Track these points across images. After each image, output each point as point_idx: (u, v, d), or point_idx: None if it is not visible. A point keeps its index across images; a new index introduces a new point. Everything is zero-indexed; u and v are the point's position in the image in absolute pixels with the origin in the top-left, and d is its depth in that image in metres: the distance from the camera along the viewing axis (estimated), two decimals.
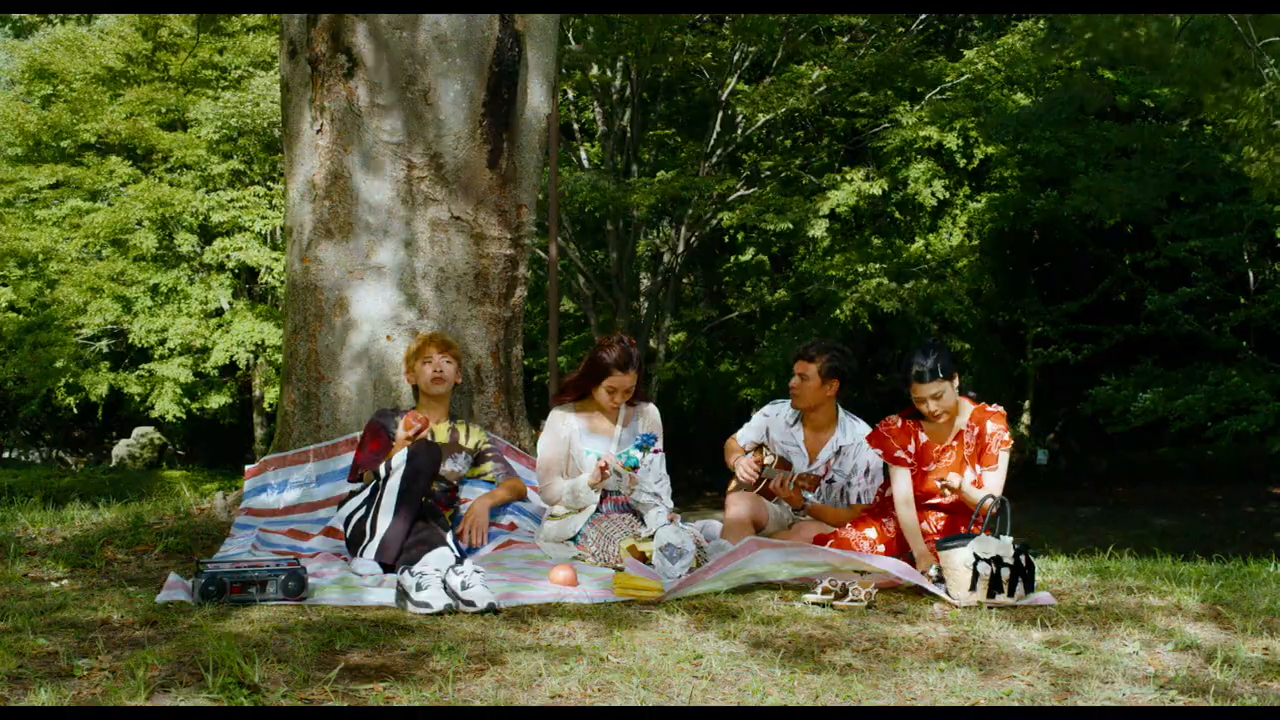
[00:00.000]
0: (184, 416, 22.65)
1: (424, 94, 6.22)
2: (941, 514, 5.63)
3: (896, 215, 22.63)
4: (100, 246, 21.38)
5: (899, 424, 5.63)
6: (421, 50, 6.20)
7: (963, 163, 21.00)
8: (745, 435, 6.37)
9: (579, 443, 5.84)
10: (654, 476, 5.65)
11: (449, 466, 5.80)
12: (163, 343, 21.37)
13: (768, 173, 22.14)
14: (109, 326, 21.72)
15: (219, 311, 22.07)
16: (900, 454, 5.56)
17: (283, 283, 21.78)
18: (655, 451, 5.64)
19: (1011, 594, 4.96)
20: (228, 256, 21.26)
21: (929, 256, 21.18)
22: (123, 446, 26.81)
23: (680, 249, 22.60)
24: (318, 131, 6.25)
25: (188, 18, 19.93)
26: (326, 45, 6.17)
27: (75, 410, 23.89)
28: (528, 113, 6.48)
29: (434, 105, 6.23)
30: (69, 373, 21.62)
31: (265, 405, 23.26)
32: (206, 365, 21.74)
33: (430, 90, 6.22)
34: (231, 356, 21.30)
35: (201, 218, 21.26)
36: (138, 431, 26.82)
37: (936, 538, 5.55)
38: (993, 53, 19.77)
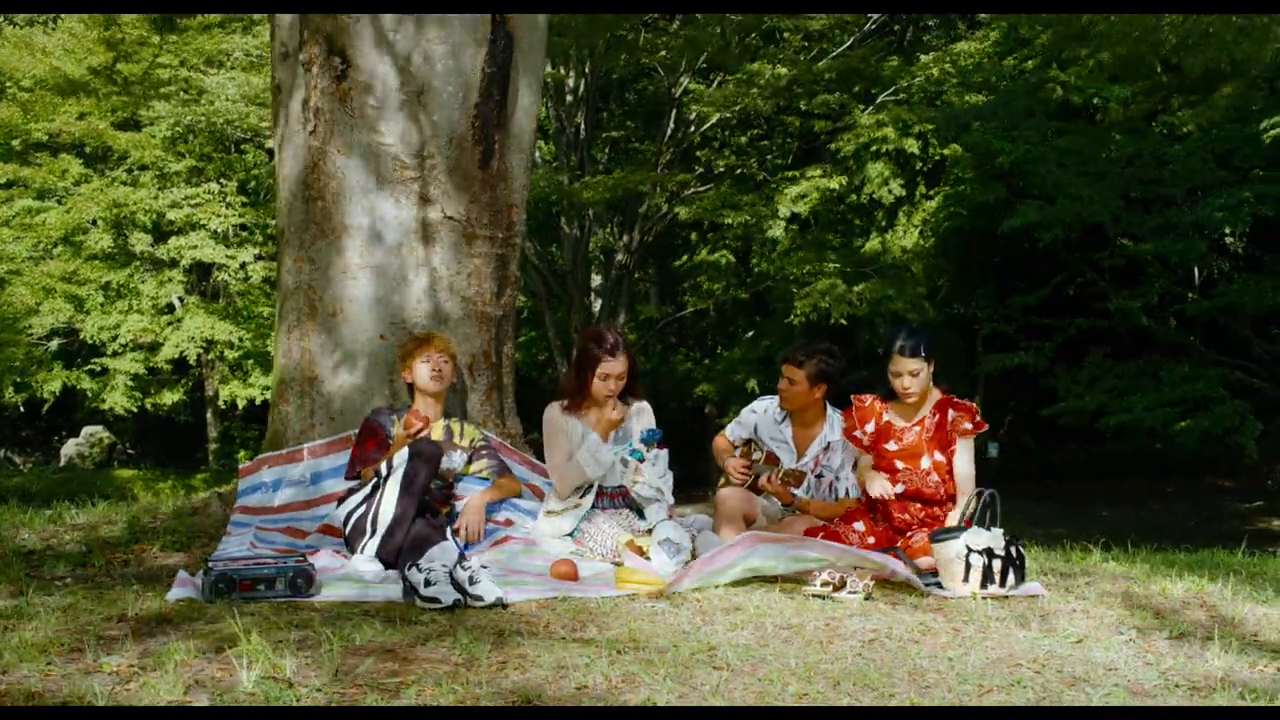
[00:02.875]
0: (135, 411, 22.46)
1: (417, 94, 6.25)
2: (920, 503, 5.79)
3: (856, 222, 22.70)
4: (51, 246, 21.15)
5: (868, 402, 5.94)
6: (414, 51, 6.24)
7: (919, 165, 21.15)
8: (734, 432, 6.46)
9: (579, 434, 5.88)
10: (658, 472, 5.72)
11: (445, 464, 5.84)
12: (115, 339, 21.19)
13: (723, 169, 22.23)
14: (61, 326, 21.50)
15: (170, 308, 21.91)
16: (858, 433, 5.91)
17: (238, 279, 21.80)
18: (660, 447, 5.72)
19: (1003, 584, 5.12)
20: (180, 254, 21.10)
21: (885, 255, 21.30)
22: (72, 446, 26.48)
23: (634, 246, 22.66)
24: (310, 132, 6.27)
25: (144, 20, 19.65)
26: (320, 46, 6.19)
27: (22, 409, 23.61)
28: (518, 113, 6.52)
29: (426, 106, 6.26)
30: (19, 371, 21.37)
31: (220, 403, 23.09)
32: (157, 360, 21.58)
33: (423, 91, 6.25)
34: (182, 351, 21.16)
35: (155, 215, 21.08)
36: (87, 430, 26.50)
37: (919, 528, 5.70)
38: (948, 60, 19.93)
